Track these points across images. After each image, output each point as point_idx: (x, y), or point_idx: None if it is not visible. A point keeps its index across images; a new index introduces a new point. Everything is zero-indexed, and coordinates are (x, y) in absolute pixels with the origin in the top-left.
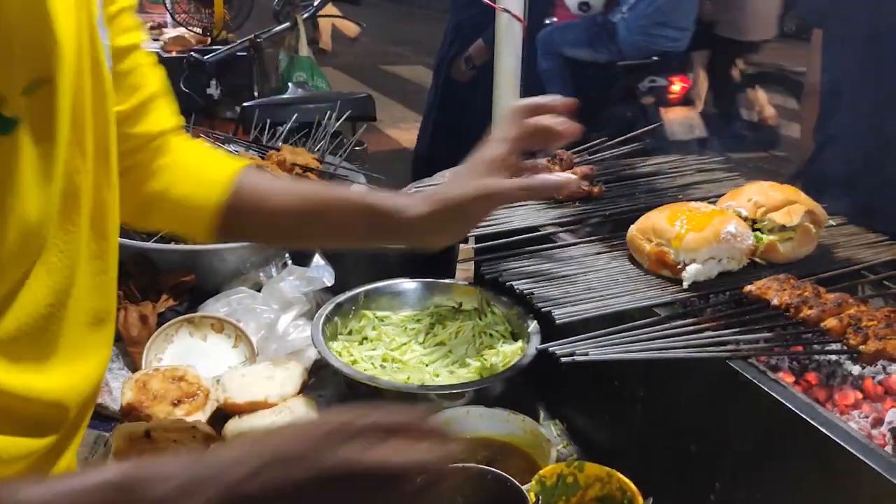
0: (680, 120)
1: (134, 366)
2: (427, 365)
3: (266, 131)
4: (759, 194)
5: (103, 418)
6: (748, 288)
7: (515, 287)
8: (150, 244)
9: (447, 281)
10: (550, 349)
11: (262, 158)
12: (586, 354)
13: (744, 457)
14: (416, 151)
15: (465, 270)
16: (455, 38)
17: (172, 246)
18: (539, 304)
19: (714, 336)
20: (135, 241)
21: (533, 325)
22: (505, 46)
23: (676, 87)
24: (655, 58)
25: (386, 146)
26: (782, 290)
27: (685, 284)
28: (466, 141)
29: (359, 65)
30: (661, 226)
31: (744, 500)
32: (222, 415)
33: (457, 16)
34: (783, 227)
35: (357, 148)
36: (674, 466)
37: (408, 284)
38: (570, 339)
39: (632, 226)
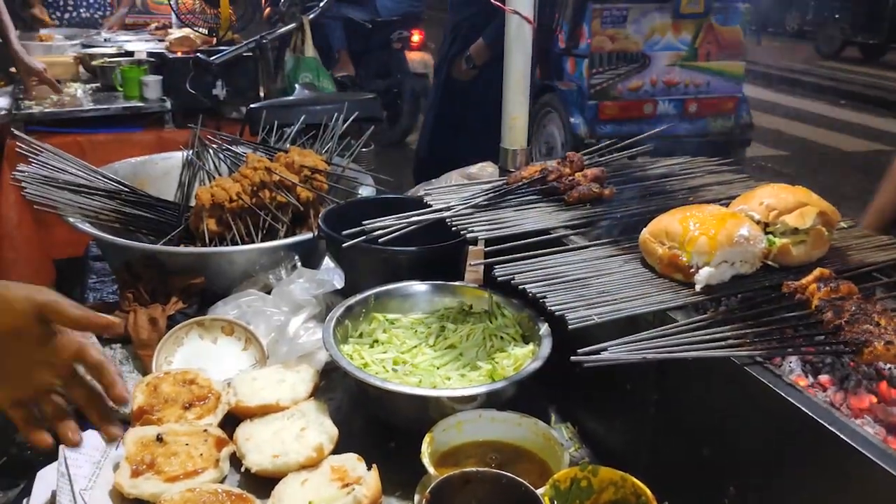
0: (418, 60)
1: (144, 369)
2: (438, 368)
3: (273, 133)
4: (771, 197)
5: None
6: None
7: (528, 290)
8: (159, 246)
9: (456, 283)
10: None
11: (271, 160)
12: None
13: (758, 460)
14: (417, 152)
15: (473, 273)
16: (455, 38)
17: (182, 248)
18: (552, 308)
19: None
20: (143, 244)
21: (544, 328)
22: (515, 48)
23: (416, 37)
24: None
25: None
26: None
27: (698, 287)
28: (467, 140)
29: None
30: (673, 229)
31: (758, 502)
32: (233, 418)
33: (455, 16)
34: (796, 230)
35: (364, 149)
36: (686, 470)
37: (417, 287)
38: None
39: (644, 229)
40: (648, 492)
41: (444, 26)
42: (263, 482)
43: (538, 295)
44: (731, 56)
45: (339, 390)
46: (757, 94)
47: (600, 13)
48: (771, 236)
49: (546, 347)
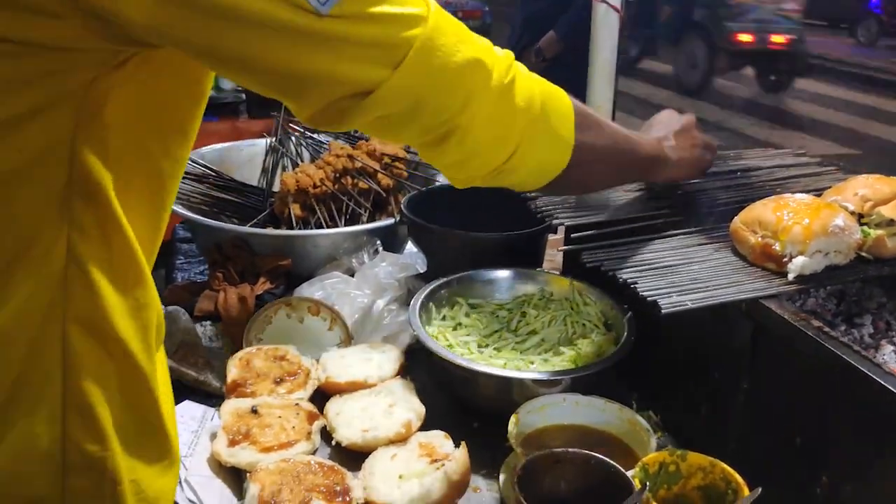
0: None
1: (233, 345)
2: (521, 352)
3: None
4: (866, 188)
5: (205, 395)
6: None
7: (619, 276)
8: (248, 228)
9: (537, 270)
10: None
11: (353, 147)
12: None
13: (853, 450)
14: None
15: (550, 261)
16: (525, 32)
17: (269, 231)
18: (644, 294)
19: None
20: (233, 226)
21: (627, 316)
22: (601, 38)
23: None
24: None
25: None
26: None
27: (790, 277)
28: None
29: None
30: (766, 218)
31: (852, 493)
32: (322, 394)
33: (527, 9)
34: (891, 222)
35: None
36: (775, 459)
37: (499, 273)
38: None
39: (735, 217)
40: (738, 477)
41: (508, 19)
42: (352, 456)
43: (629, 281)
44: None
45: (421, 371)
46: None
47: None
48: (866, 227)
49: (629, 335)
